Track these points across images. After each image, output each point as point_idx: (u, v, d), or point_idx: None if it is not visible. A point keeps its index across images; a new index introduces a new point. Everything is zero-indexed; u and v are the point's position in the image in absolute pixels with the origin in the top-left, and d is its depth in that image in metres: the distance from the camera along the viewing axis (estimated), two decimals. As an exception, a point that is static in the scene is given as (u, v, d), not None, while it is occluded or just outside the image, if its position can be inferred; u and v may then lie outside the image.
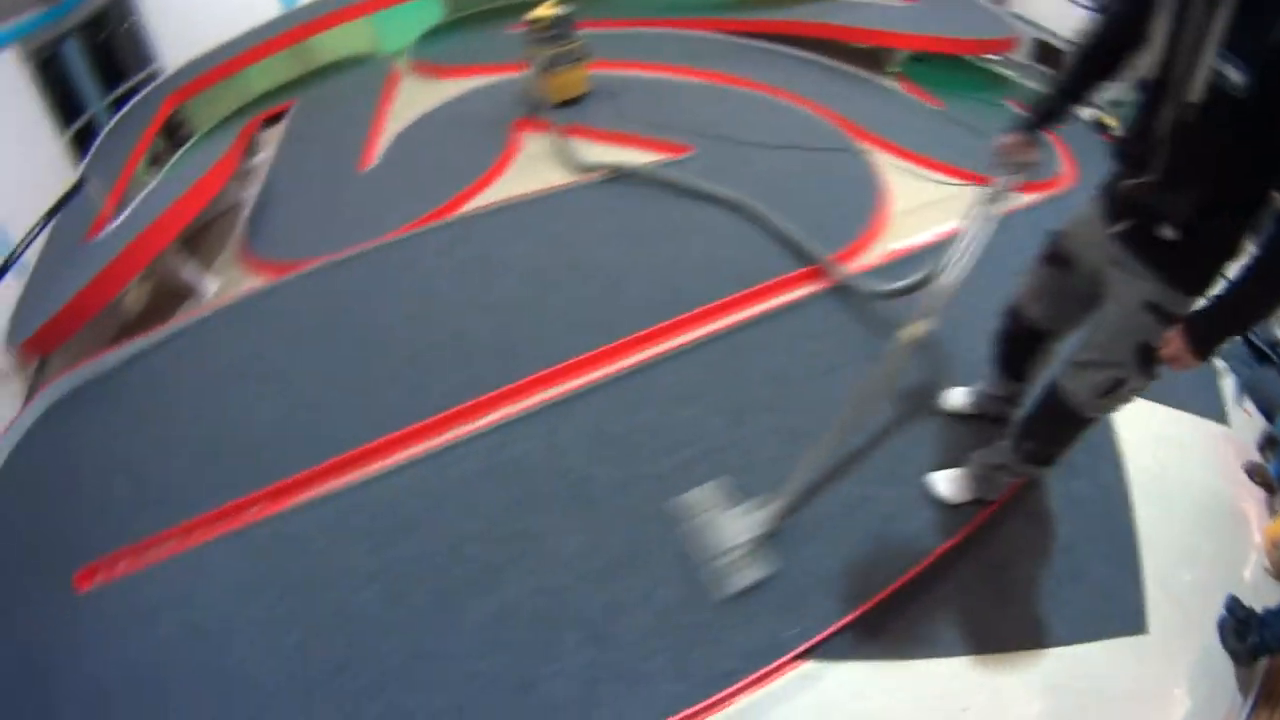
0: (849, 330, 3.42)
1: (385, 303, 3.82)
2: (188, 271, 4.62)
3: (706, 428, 2.98)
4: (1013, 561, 2.56)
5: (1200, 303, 1.79)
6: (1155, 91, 1.62)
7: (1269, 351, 3.54)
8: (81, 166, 5.69)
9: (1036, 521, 2.68)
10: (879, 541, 2.58)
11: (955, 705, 2.22)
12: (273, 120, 6.56)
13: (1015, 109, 5.76)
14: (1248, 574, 2.64)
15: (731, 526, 2.57)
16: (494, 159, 4.90)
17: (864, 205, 4.25)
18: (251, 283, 4.41)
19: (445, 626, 2.47)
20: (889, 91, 5.81)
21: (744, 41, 6.54)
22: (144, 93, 6.44)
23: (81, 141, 5.97)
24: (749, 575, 2.47)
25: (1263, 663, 2.41)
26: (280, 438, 3.28)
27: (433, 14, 8.15)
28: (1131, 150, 1.78)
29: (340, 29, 7.21)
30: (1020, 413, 2.48)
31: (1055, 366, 2.23)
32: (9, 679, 2.71)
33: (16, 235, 4.60)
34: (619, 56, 6.11)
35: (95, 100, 6.34)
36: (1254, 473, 2.97)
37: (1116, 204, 1.88)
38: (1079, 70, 2.05)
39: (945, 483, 2.66)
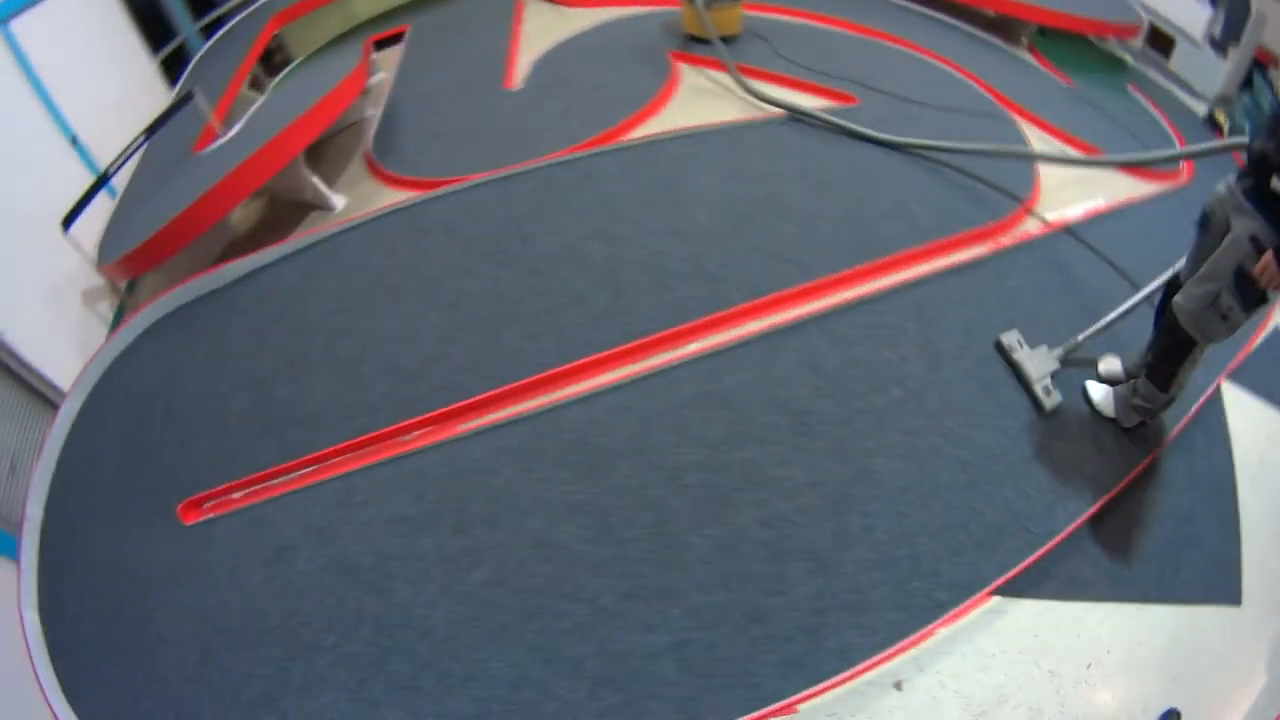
0: (1027, 291, 3.23)
1: (564, 220, 3.48)
2: (311, 185, 4.26)
3: (909, 370, 2.83)
4: (1147, 523, 2.62)
5: None
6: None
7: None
8: (180, 82, 5.45)
9: (1166, 490, 2.71)
10: (1054, 490, 2.59)
11: (1101, 647, 2.30)
12: (381, 44, 6.15)
13: (1137, 94, 5.41)
14: None
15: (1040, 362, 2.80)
16: (658, 88, 4.52)
17: (1021, 174, 3.96)
18: (387, 198, 4.06)
19: (667, 560, 2.31)
20: (1024, 63, 5.39)
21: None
22: (247, 12, 6.11)
23: (172, 67, 5.68)
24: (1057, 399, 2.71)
25: None
26: (446, 358, 2.98)
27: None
28: (1270, 122, 2.05)
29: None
30: None
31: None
32: (113, 615, 2.56)
33: (106, 156, 4.30)
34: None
35: (186, 24, 6.05)
36: None
37: (1249, 162, 2.10)
38: None
39: (1098, 391, 2.84)
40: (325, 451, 2.75)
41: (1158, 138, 4.83)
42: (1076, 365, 2.88)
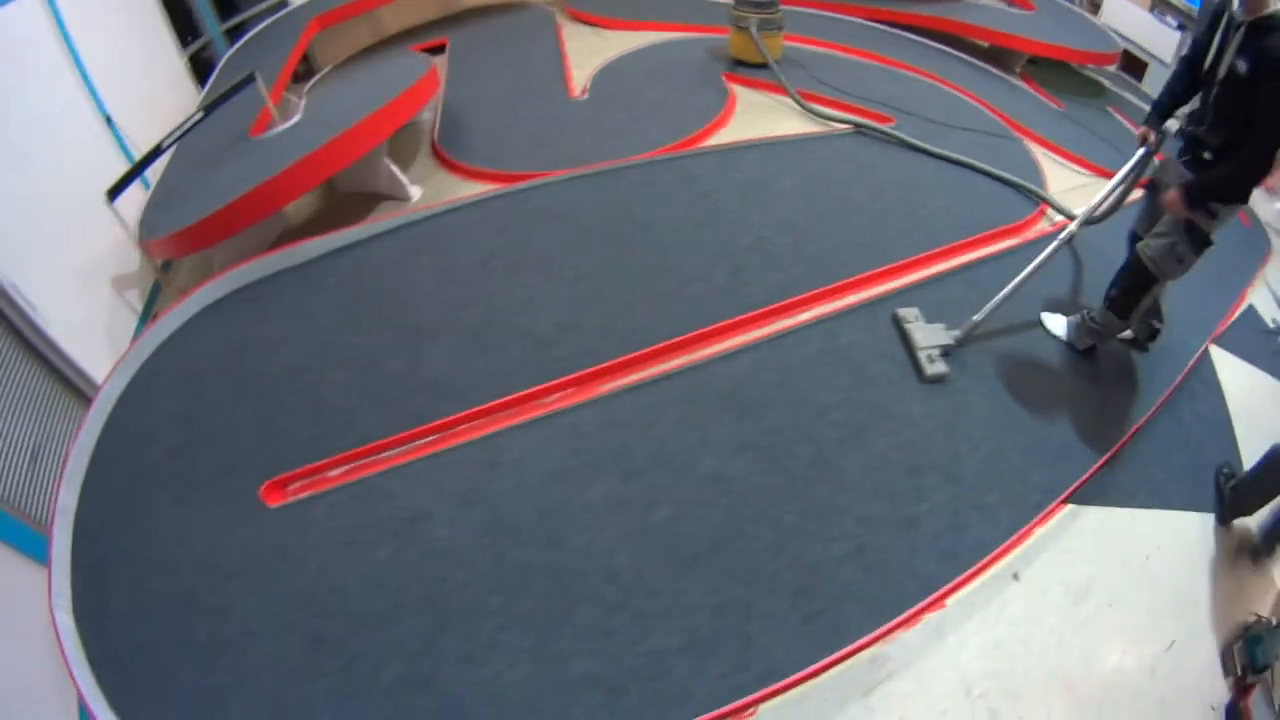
0: (1046, 273, 3.82)
1: (672, 210, 3.90)
2: (389, 174, 4.45)
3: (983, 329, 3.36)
4: (1174, 448, 3.21)
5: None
6: (1207, 79, 2.65)
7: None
8: (209, 81, 5.58)
9: (1180, 425, 3.33)
10: (1100, 418, 3.16)
11: (1152, 544, 2.85)
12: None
13: (1116, 115, 6.21)
14: None
15: (929, 334, 3.22)
16: (721, 103, 5.07)
17: (1036, 181, 4.63)
18: (465, 190, 4.34)
19: (829, 482, 2.69)
20: (1020, 89, 6.15)
21: (889, 30, 6.78)
22: (282, 14, 6.37)
23: (198, 67, 5.82)
24: (940, 369, 3.09)
25: None
26: (580, 325, 3.18)
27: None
28: (1196, 115, 2.75)
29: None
30: None
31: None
32: (178, 612, 2.35)
33: (145, 143, 4.25)
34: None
35: (213, 26, 6.23)
36: None
37: (1185, 144, 2.84)
38: (1182, 77, 2.92)
39: (1054, 321, 3.46)
40: (459, 416, 2.82)
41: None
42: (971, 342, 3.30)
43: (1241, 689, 2.52)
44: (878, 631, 2.33)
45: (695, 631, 2.26)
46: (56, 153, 3.72)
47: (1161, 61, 7.65)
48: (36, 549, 2.59)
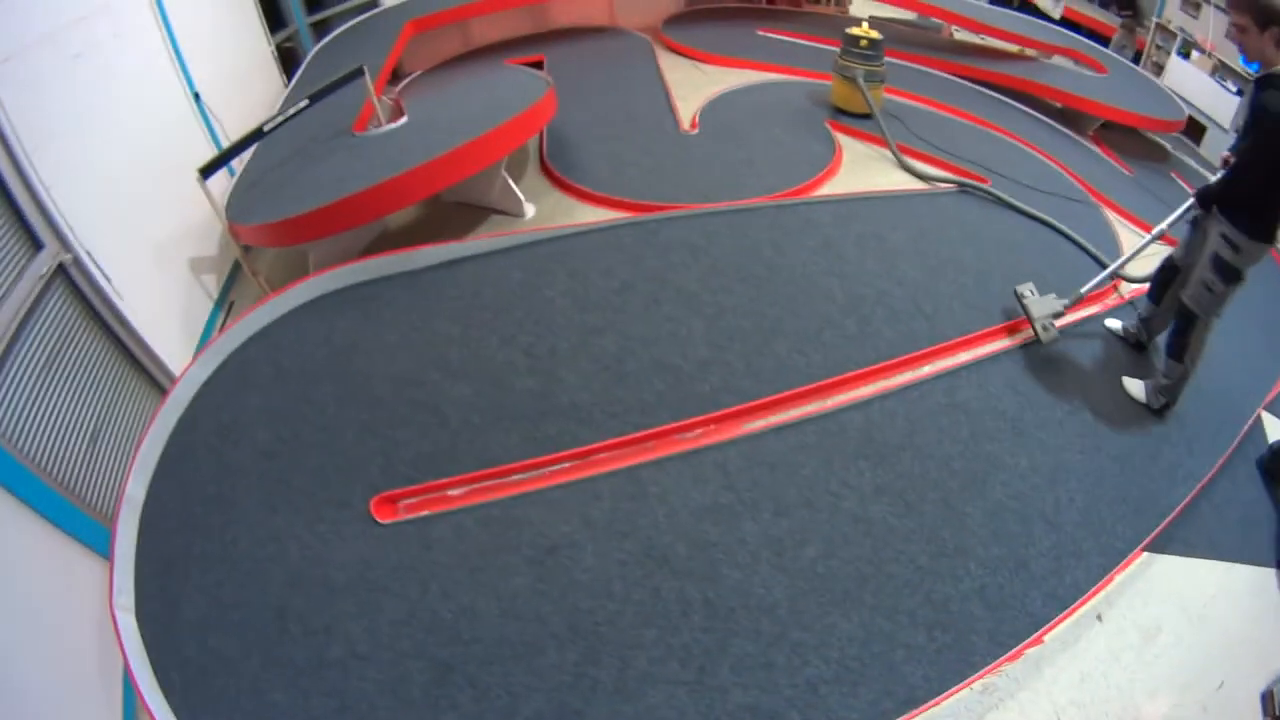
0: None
1: (800, 255, 4.25)
2: (506, 189, 4.60)
3: (1080, 387, 3.87)
4: (1230, 504, 3.62)
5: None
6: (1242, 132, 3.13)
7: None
8: (298, 71, 5.60)
9: (1237, 484, 3.74)
10: (1171, 468, 3.59)
11: (1209, 592, 3.24)
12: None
13: (1179, 180, 6.66)
14: None
15: (1043, 305, 3.81)
16: (830, 152, 5.49)
17: (1110, 252, 5.09)
18: (580, 212, 4.63)
19: (955, 526, 3.08)
20: (1093, 153, 6.56)
21: (974, 86, 7.18)
22: (375, 11, 6.49)
23: (283, 57, 5.93)
24: (1053, 334, 3.73)
25: None
26: (721, 363, 3.37)
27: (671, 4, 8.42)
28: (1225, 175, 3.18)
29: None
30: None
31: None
32: (270, 629, 2.26)
33: (232, 126, 4.45)
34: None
35: (300, 18, 6.34)
36: None
37: (1205, 194, 3.29)
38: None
39: (1134, 385, 3.87)
40: (602, 444, 2.90)
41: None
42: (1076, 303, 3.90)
43: (1277, 731, 2.96)
44: (996, 663, 2.75)
45: (845, 662, 2.45)
46: (143, 122, 3.72)
47: (1220, 126, 8.08)
48: (94, 539, 2.47)
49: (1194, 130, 8.28)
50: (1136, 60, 9.40)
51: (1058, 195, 5.40)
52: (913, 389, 3.65)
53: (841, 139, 5.79)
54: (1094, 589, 3.11)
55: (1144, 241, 3.98)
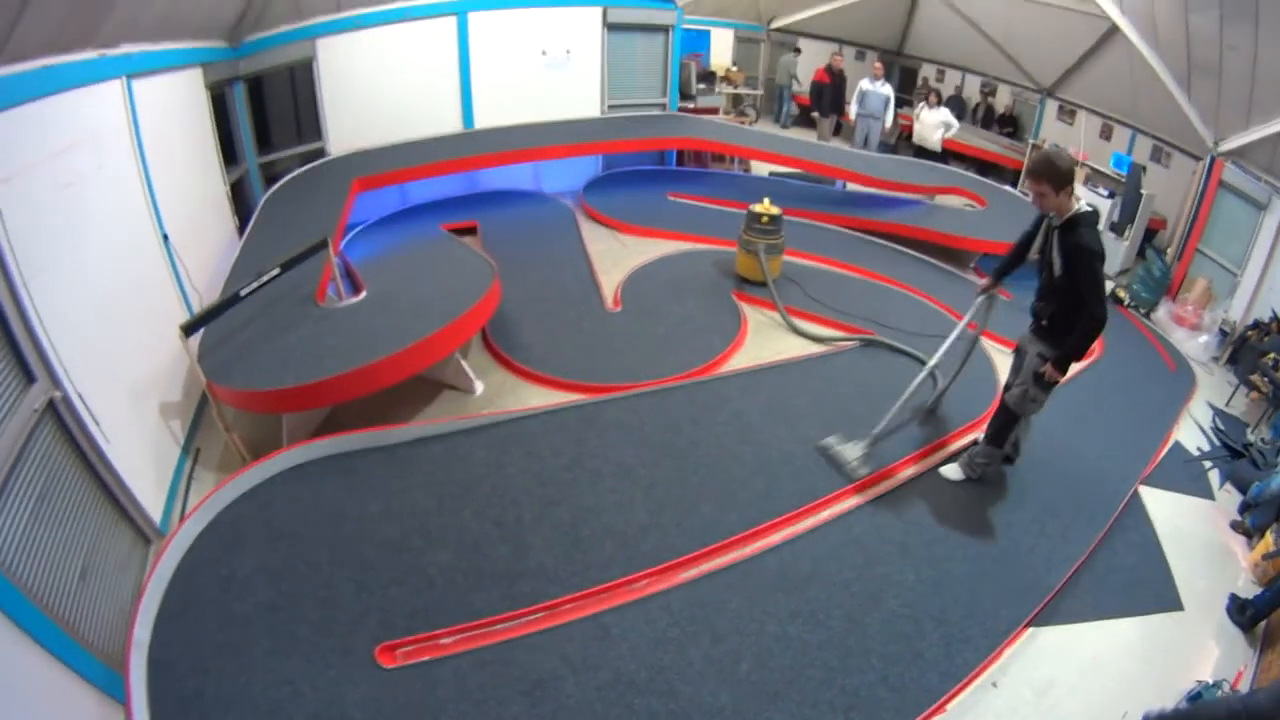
0: None
1: (714, 428, 5.65)
2: (459, 368, 5.57)
3: (957, 510, 5.24)
4: (1111, 572, 4.92)
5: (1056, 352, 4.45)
6: (1040, 269, 4.50)
7: (1241, 449, 6.28)
8: (253, 216, 6.08)
9: (1115, 554, 5.06)
10: (1047, 558, 4.91)
11: (1095, 648, 4.39)
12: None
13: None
14: (1240, 583, 5.09)
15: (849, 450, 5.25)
16: (737, 324, 7.06)
17: (987, 377, 6.70)
18: (525, 391, 5.82)
19: (858, 634, 4.17)
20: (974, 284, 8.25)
21: (864, 237, 8.97)
22: (319, 163, 7.39)
23: (236, 195, 6.31)
24: (863, 471, 5.15)
25: (1261, 626, 4.78)
26: (658, 525, 4.46)
27: (590, 169, 10.17)
28: (1039, 294, 4.60)
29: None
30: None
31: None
32: None
33: (191, 265, 4.91)
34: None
35: (251, 157, 6.81)
36: (1237, 527, 5.56)
37: (1032, 316, 4.70)
38: (1011, 256, 4.98)
39: (949, 470, 5.39)
40: (568, 597, 3.86)
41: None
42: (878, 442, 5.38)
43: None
44: None
45: None
46: (120, 262, 4.11)
47: (1095, 229, 9.94)
48: (92, 673, 2.90)
49: (1074, 236, 10.12)
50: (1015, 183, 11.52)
51: (939, 335, 6.89)
52: (815, 531, 4.94)
53: (746, 309, 7.40)
54: (983, 663, 4.24)
55: (948, 340, 5.55)
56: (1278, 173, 7.69)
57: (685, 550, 4.46)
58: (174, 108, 5.25)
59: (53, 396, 3.10)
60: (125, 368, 4.05)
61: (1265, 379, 6.84)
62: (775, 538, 4.86)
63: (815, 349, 6.67)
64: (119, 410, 3.79)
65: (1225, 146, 8.40)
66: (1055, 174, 4.16)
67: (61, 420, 3.19)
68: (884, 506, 5.24)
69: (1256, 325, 7.64)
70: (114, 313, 4.00)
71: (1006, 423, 5.00)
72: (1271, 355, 6.96)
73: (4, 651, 2.47)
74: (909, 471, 5.60)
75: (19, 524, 2.76)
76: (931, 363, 5.47)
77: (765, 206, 7.43)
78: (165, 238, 4.71)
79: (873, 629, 4.31)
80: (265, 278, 4.73)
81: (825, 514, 5.13)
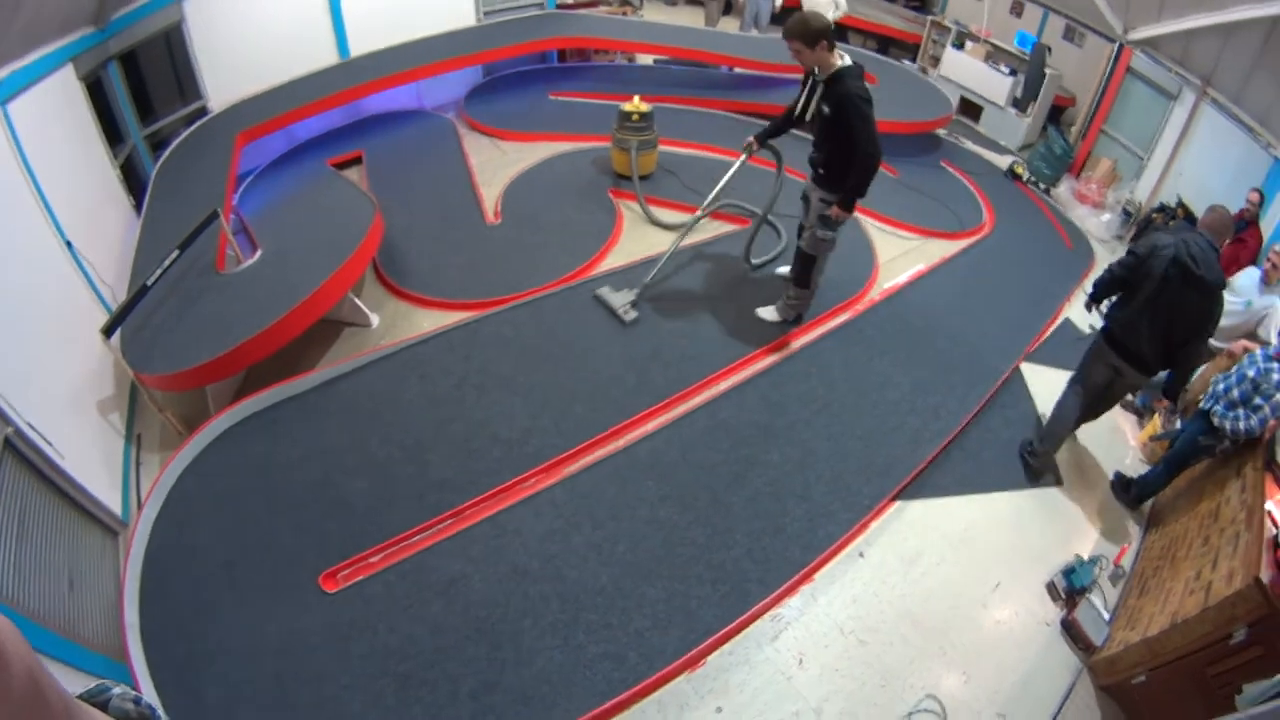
0: (877, 333, 6.35)
1: (585, 330, 6.11)
2: (354, 306, 6.09)
3: (824, 388, 5.78)
4: (984, 447, 5.68)
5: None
6: (812, 122, 5.33)
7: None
8: (147, 194, 6.29)
9: (992, 430, 5.80)
10: (919, 435, 5.49)
11: (965, 521, 5.10)
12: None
13: (949, 168, 8.83)
14: (1127, 461, 5.77)
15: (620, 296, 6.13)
16: (612, 223, 7.48)
17: (865, 258, 7.21)
18: (421, 317, 6.29)
19: (723, 513, 4.78)
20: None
21: (743, 119, 9.41)
22: (200, 123, 7.48)
23: (126, 176, 6.45)
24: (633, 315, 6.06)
25: (1148, 505, 5.43)
26: (539, 429, 5.15)
27: (473, 77, 10.27)
28: (815, 145, 5.48)
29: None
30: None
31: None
32: (272, 688, 3.56)
33: (97, 261, 5.17)
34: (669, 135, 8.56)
35: (135, 133, 6.89)
36: (1127, 406, 6.19)
37: (811, 166, 5.58)
38: (781, 119, 5.66)
39: (766, 311, 6.27)
40: (468, 504, 4.57)
41: (968, 203, 8.34)
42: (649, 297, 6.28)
43: (1070, 607, 4.49)
44: (770, 599, 4.40)
45: (658, 616, 4.13)
46: (33, 285, 4.44)
47: (996, 104, 10.46)
48: (105, 670, 3.44)
49: (972, 110, 10.68)
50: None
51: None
52: (684, 419, 5.48)
53: (622, 206, 7.83)
54: (846, 536, 4.84)
55: (717, 188, 6.37)
56: (1190, 66, 8.20)
57: (564, 448, 5.08)
58: (53, 115, 5.42)
59: (6, 434, 3.45)
60: (60, 381, 4.52)
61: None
62: (648, 427, 5.39)
63: (685, 243, 7.05)
64: (64, 424, 4.23)
65: (1135, 35, 8.92)
66: (806, 32, 4.86)
67: (19, 452, 3.56)
68: (752, 391, 5.79)
69: (1162, 208, 8.28)
70: (37, 333, 4.42)
71: (806, 264, 5.85)
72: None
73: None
74: (784, 352, 6.18)
75: (8, 556, 3.19)
76: (700, 213, 6.64)
77: (635, 104, 7.68)
78: (69, 244, 5.02)
79: (737, 508, 4.89)
80: (167, 262, 5.17)
81: (695, 400, 5.65)
